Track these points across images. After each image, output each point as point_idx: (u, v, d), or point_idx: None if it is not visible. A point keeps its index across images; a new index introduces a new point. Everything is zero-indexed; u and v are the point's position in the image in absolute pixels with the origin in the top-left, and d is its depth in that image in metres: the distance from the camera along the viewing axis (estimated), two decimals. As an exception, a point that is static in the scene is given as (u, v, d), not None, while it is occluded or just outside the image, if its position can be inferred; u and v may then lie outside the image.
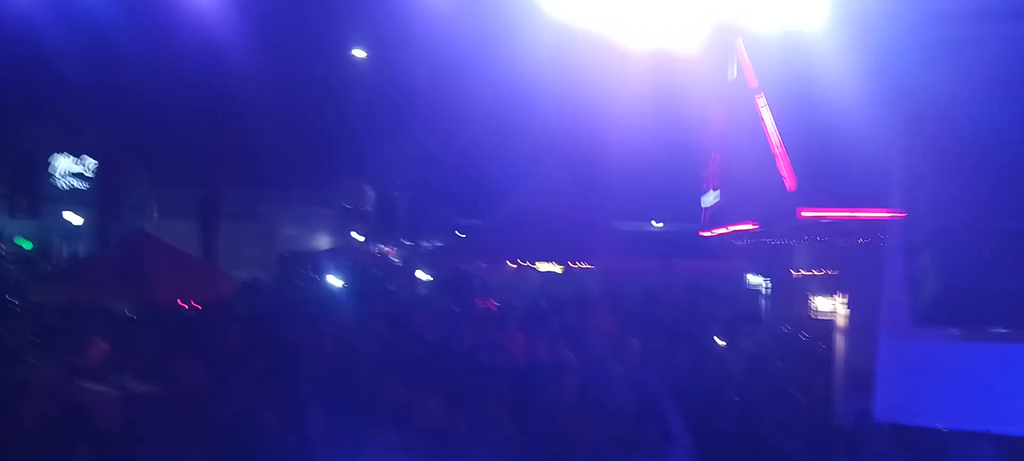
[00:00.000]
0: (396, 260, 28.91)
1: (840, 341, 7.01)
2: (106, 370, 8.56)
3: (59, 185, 25.44)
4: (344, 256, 29.01)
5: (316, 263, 28.42)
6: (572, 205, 15.43)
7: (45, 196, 24.97)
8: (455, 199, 29.12)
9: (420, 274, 19.06)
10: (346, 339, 9.86)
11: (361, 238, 34.97)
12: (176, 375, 6.90)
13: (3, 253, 22.39)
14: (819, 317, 9.22)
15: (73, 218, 25.44)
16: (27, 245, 23.88)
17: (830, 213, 5.71)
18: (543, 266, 16.74)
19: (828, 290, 8.29)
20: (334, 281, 24.08)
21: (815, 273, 9.49)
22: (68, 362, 8.06)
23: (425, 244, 28.52)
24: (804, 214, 5.72)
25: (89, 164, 25.85)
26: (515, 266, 16.59)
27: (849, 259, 6.65)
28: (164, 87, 17.66)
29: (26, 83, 19.01)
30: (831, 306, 7.90)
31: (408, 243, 31.33)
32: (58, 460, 5.22)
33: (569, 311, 13.07)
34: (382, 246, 35.20)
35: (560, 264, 16.08)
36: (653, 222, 20.45)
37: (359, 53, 24.52)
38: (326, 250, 27.27)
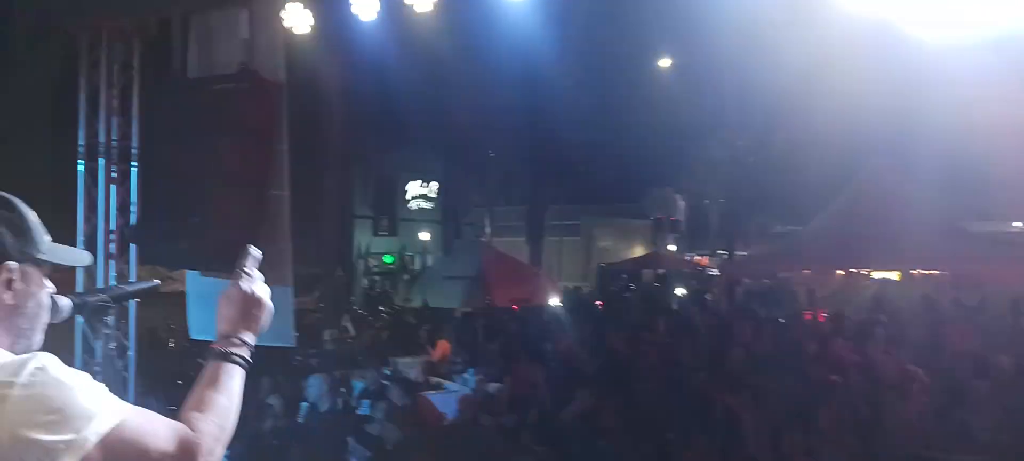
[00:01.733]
0: (712, 269, 28.43)
1: None
2: (454, 366, 9.69)
3: (410, 207, 29.25)
4: (658, 266, 29.31)
5: (633, 273, 29.09)
6: (910, 203, 13.82)
7: (400, 217, 28.89)
8: (771, 204, 27.84)
9: (738, 284, 18.49)
10: (667, 348, 9.98)
11: (674, 248, 34.97)
12: (518, 375, 7.54)
13: (372, 268, 26.37)
14: None
15: (423, 236, 29.06)
16: (390, 260, 27.88)
17: None
18: (878, 273, 15.30)
19: None
20: (651, 291, 24.40)
21: None
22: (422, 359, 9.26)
23: (741, 252, 27.66)
24: None
25: (433, 187, 29.34)
26: (844, 273, 15.39)
27: None
28: (494, 112, 19.41)
29: (382, 116, 22.07)
30: None
31: (723, 252, 30.61)
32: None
33: (913, 323, 11.79)
34: (696, 255, 34.82)
35: (899, 270, 14.55)
36: (1016, 222, 17.53)
37: (667, 60, 24.66)
38: (641, 260, 27.75)
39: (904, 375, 7.09)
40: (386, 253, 27.81)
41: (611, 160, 27.00)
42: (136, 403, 1.61)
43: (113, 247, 5.25)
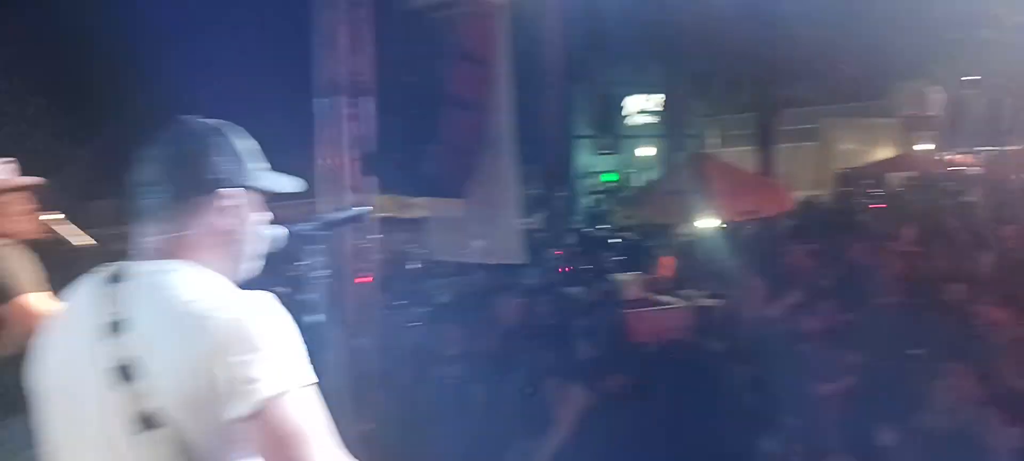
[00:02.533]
0: (975, 168, 25.30)
1: None
2: (681, 284, 9.55)
3: (632, 122, 28.85)
4: (908, 168, 26.51)
5: (878, 178, 26.62)
6: None
7: (623, 134, 28.63)
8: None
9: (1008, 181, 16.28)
10: (916, 257, 9.11)
11: (930, 146, 31.36)
12: (745, 290, 7.25)
13: (595, 188, 26.61)
14: None
15: (646, 151, 28.66)
16: (614, 178, 27.88)
17: None
18: None
19: None
20: (898, 196, 22.24)
21: None
22: (646, 279, 9.19)
23: (1010, 147, 24.21)
24: None
25: (656, 101, 28.66)
26: None
27: None
28: (714, 18, 18.34)
29: (600, 34, 21.74)
30: None
31: (991, 148, 26.91)
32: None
33: None
34: (954, 154, 31.00)
35: None
36: None
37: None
38: (887, 162, 25.33)
39: None
40: (609, 171, 27.82)
41: (852, 53, 24.52)
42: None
43: (352, 180, 5.70)
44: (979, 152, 29.05)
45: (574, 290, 8.71)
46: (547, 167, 14.27)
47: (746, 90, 22.19)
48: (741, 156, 20.65)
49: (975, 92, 27.44)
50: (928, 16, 22.40)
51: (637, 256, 10.69)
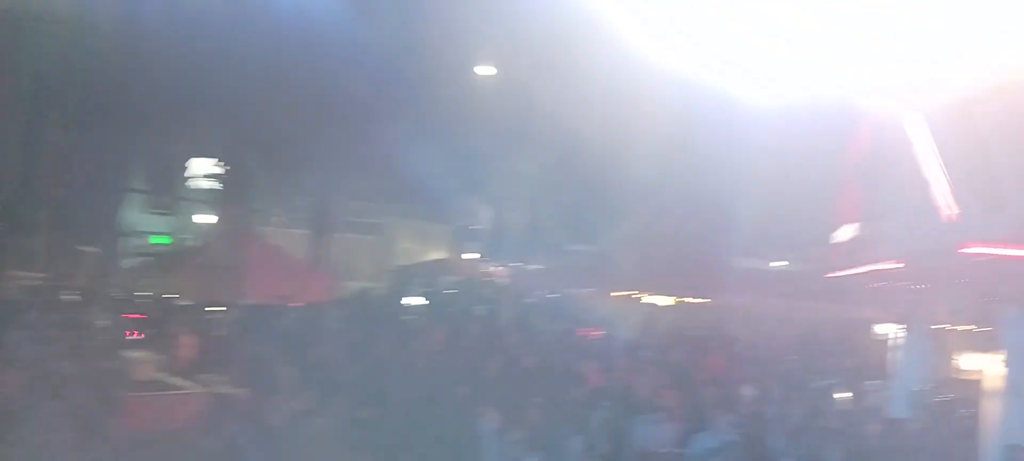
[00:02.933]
0: (504, 280, 28.67)
1: (988, 407, 6.01)
2: (201, 367, 8.64)
3: (197, 187, 26.72)
4: (452, 273, 29.09)
5: (425, 278, 28.65)
6: (688, 237, 14.60)
7: (184, 197, 26.23)
8: (567, 224, 28.59)
9: (525, 296, 18.67)
10: (444, 353, 9.60)
11: (474, 256, 35.03)
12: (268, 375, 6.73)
13: (141, 250, 23.73)
14: (964, 377, 8.03)
15: (203, 218, 26.65)
16: (165, 241, 25.13)
17: (1002, 251, 4.77)
18: (652, 298, 15.98)
19: (979, 347, 7.18)
20: (441, 296, 24.04)
21: (963, 327, 8.31)
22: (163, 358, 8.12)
23: (535, 266, 28.14)
24: (966, 250, 4.83)
25: (222, 167, 27.09)
26: (621, 296, 15.94)
27: (1011, 310, 5.66)
28: (290, 91, 18.14)
29: (156, 91, 20.12)
30: (981, 366, 6.85)
31: (518, 264, 30.99)
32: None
33: (676, 348, 12.28)
34: (492, 265, 35.10)
35: (671, 296, 15.29)
36: (778, 261, 19.08)
37: (485, 69, 24.50)
38: (434, 264, 27.41)
39: (655, 395, 7.14)
40: (161, 234, 25.21)
41: (419, 164, 26.41)
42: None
43: None
44: (510, 265, 33.36)
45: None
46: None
47: (314, 174, 22.19)
48: (299, 239, 20.37)
49: (514, 214, 31.56)
50: (488, 140, 25.45)
51: (161, 329, 9.47)
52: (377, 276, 28.16)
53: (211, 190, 27.02)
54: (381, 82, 18.57)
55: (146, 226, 24.46)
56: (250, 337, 8.56)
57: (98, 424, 5.60)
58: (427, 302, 20.07)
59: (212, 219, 26.37)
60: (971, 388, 7.10)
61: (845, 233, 8.51)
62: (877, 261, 7.06)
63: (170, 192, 25.77)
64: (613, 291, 16.08)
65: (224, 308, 10.24)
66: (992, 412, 5.80)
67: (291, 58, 17.14)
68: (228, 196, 24.28)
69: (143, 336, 8.90)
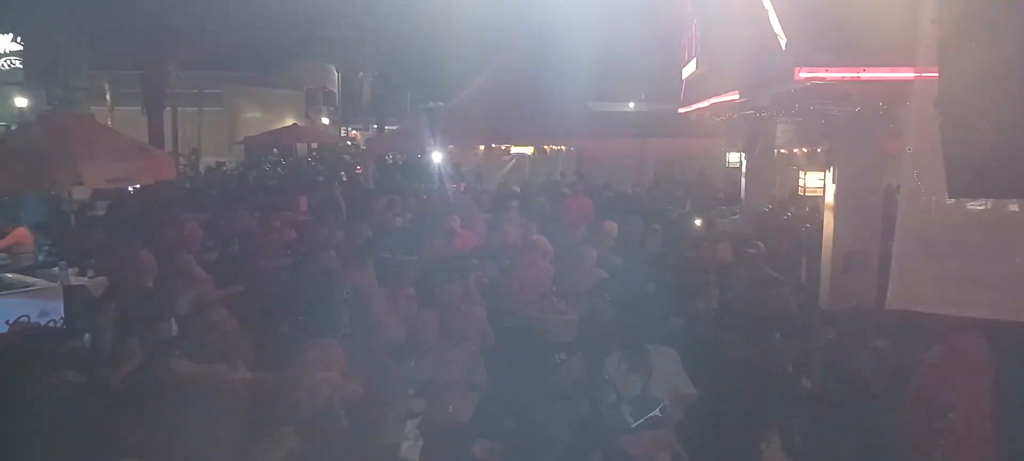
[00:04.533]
0: (362, 144, 28.11)
1: (829, 222, 6.57)
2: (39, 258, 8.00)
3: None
4: (307, 139, 28.11)
5: (279, 146, 27.43)
6: (541, 85, 14.58)
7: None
8: (420, 81, 28.06)
9: (389, 157, 18.37)
10: (307, 226, 9.38)
11: (326, 120, 33.92)
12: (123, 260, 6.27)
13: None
14: (807, 195, 8.74)
15: (19, 101, 24.06)
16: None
17: (833, 74, 5.01)
18: (514, 148, 16.10)
19: (819, 165, 7.77)
20: (299, 164, 23.25)
21: (803, 150, 8.95)
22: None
23: (392, 126, 27.66)
24: (801, 75, 5.04)
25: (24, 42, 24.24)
26: (484, 148, 15.96)
27: (845, 131, 6.10)
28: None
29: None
30: (821, 183, 7.42)
31: (375, 125, 30.35)
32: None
33: (541, 195, 12.60)
34: (350, 129, 34.21)
35: (531, 144, 15.45)
36: (631, 102, 19.64)
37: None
38: (285, 131, 26.35)
39: (529, 242, 7.31)
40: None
41: (256, 25, 24.65)
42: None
43: None
44: (366, 129, 32.60)
45: None
46: None
47: (139, 47, 20.23)
48: (131, 117, 18.84)
49: (365, 76, 30.53)
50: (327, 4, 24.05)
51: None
52: (225, 149, 26.74)
53: (16, 70, 24.25)
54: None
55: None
56: (99, 225, 7.94)
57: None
58: (285, 171, 19.36)
59: (23, 102, 23.81)
60: (812, 204, 7.74)
61: (689, 69, 8.73)
62: (719, 94, 7.32)
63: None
64: (474, 144, 16.06)
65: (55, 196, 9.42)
66: (830, 224, 6.35)
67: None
68: (39, 75, 21.89)
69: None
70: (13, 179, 7.88)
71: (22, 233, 7.95)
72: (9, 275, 7.25)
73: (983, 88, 2.79)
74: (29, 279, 7.29)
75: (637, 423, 3.74)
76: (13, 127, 21.04)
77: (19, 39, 23.71)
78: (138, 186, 10.27)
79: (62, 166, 7.76)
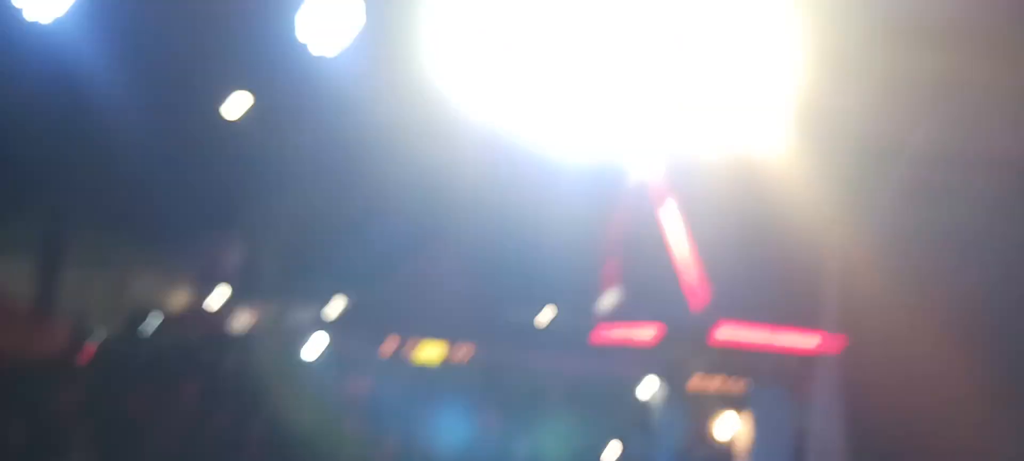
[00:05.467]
0: (260, 326, 27.12)
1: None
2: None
3: None
4: (198, 322, 26.93)
5: (169, 322, 26.15)
6: (458, 283, 14.72)
7: None
8: (334, 266, 27.72)
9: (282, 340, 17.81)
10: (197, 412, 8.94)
11: (222, 298, 32.77)
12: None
13: None
14: (718, 442, 8.86)
15: None
16: None
17: (749, 335, 5.28)
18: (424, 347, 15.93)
19: (735, 408, 7.96)
20: (189, 345, 22.10)
21: (719, 391, 9.20)
22: None
23: (296, 310, 26.95)
24: (718, 337, 5.29)
25: None
26: (392, 345, 15.73)
27: (762, 378, 6.35)
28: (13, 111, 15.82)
29: None
30: (734, 430, 7.59)
31: (275, 307, 29.47)
32: None
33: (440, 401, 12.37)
34: (245, 308, 33.04)
35: (441, 344, 15.32)
36: (542, 316, 19.86)
37: (233, 109, 23.08)
38: (180, 309, 25.25)
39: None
40: None
41: (158, 198, 24.18)
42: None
43: None
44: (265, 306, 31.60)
45: None
46: None
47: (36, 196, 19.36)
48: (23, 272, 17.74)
49: (271, 253, 29.89)
50: (240, 180, 23.98)
51: None
52: (114, 320, 25.16)
53: None
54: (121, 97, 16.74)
55: None
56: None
57: None
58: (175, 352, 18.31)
59: None
60: (724, 451, 7.85)
61: (610, 296, 9.01)
62: (638, 325, 7.54)
63: None
64: (382, 338, 15.80)
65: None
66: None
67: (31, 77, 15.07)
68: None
69: None
70: None
71: None
72: None
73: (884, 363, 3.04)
74: None
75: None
76: None
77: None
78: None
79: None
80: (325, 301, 28.15)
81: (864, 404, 3.08)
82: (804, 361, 6.01)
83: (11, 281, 14.79)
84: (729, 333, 5.27)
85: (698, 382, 9.37)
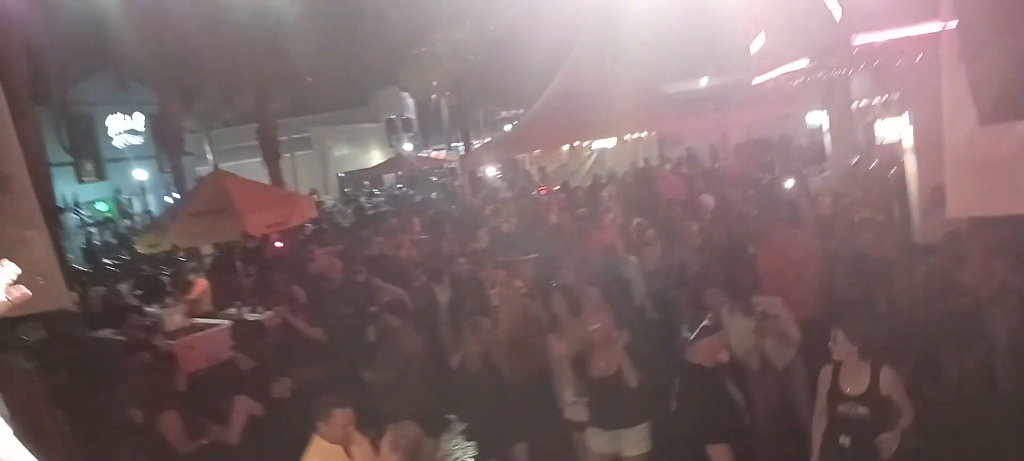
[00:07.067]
0: (450, 163, 29.04)
1: (910, 161, 7.11)
2: (215, 305, 9.23)
3: (116, 145, 26.14)
4: (398, 169, 29.44)
5: (375, 178, 28.82)
6: (613, 75, 15.07)
7: (108, 158, 25.69)
8: (494, 94, 28.84)
9: (480, 172, 19.26)
10: (426, 243, 10.27)
11: (408, 146, 35.32)
12: (286, 301, 7.30)
13: (87, 220, 23.38)
14: (886, 143, 9.18)
15: (138, 174, 26.25)
16: (105, 208, 24.78)
17: (882, 35, 5.62)
18: (598, 142, 16.76)
19: (893, 113, 8.24)
20: (398, 193, 24.56)
21: (877, 99, 9.39)
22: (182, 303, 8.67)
23: (475, 142, 28.65)
24: (856, 41, 5.67)
25: (138, 119, 26.48)
26: (569, 146, 16.67)
27: (910, 78, 6.67)
28: (201, 29, 17.83)
29: (72, 47, 19.46)
30: (897, 129, 7.96)
31: (458, 144, 31.39)
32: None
33: (634, 186, 13.28)
34: (432, 152, 35.46)
35: (611, 136, 16.02)
36: (703, 78, 19.93)
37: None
38: (382, 165, 27.70)
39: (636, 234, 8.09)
40: (98, 200, 24.77)
41: (334, 64, 26.20)
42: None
43: None
44: (448, 149, 33.80)
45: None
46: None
47: (240, 102, 22.04)
48: (243, 168, 20.56)
49: (437, 98, 31.69)
50: (392, 32, 25.31)
51: (164, 285, 9.99)
52: (327, 188, 28.30)
53: (138, 146, 26.55)
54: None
55: (84, 196, 24.04)
56: (270, 270, 9.13)
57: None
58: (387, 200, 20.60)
59: (143, 176, 26.07)
60: (893, 150, 8.24)
61: (757, 43, 9.27)
62: (788, 61, 7.86)
63: (95, 157, 25.22)
64: (558, 146, 16.75)
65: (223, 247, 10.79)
66: (911, 165, 6.88)
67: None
68: (166, 143, 23.87)
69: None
70: (195, 238, 9.21)
71: (203, 283, 9.28)
72: (199, 320, 8.51)
73: (994, 33, 3.57)
74: (214, 321, 8.53)
75: (694, 335, 4.59)
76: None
77: (132, 117, 25.93)
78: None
79: (232, 220, 9.06)
80: (494, 126, 29.39)
81: (982, 85, 3.66)
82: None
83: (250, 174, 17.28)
84: (866, 39, 5.66)
85: (859, 97, 9.60)
